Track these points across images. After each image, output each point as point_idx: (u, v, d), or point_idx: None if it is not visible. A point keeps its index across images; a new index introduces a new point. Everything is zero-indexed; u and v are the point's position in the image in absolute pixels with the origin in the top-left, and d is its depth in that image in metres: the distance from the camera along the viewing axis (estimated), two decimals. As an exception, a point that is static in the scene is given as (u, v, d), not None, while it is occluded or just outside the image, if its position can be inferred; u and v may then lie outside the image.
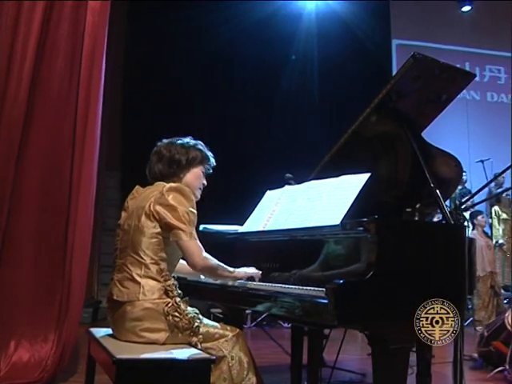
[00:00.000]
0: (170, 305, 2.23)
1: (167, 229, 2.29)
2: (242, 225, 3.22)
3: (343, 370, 4.19)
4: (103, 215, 7.36)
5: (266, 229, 2.89)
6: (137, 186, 2.52)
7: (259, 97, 7.83)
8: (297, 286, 2.16)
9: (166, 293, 2.27)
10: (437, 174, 2.95)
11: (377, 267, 1.96)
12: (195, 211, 2.35)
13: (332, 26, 8.47)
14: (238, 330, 2.41)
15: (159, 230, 2.30)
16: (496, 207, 8.23)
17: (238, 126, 7.53)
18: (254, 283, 2.43)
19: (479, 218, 6.63)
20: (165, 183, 2.40)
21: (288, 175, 4.62)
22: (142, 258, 2.29)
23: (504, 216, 8.49)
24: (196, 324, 2.26)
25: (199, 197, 2.55)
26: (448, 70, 2.69)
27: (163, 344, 2.20)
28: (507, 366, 4.05)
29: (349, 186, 2.53)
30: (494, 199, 8.26)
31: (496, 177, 7.02)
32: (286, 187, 3.10)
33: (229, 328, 2.40)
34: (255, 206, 3.48)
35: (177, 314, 2.23)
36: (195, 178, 2.52)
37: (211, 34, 7.57)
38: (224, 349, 2.30)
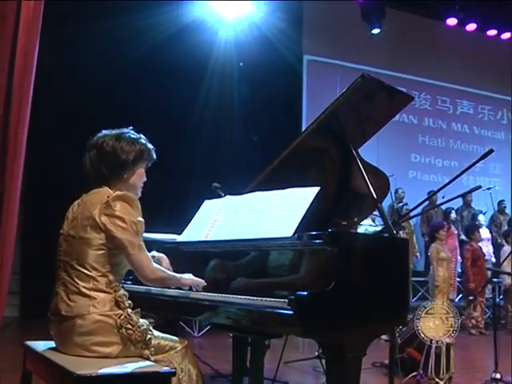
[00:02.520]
0: (122, 317, 2.16)
1: (114, 241, 2.20)
2: (178, 234, 3.19)
3: (266, 379, 4.24)
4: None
5: (209, 239, 2.88)
6: (83, 195, 2.39)
7: (179, 107, 7.71)
8: (257, 298, 2.16)
9: (118, 304, 2.20)
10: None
11: (337, 278, 2.02)
12: (143, 220, 2.28)
13: (250, 37, 8.60)
14: (186, 342, 2.39)
15: (105, 241, 2.20)
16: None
17: (157, 137, 7.39)
18: (210, 294, 2.40)
19: (401, 232, 7.04)
20: (109, 189, 2.30)
21: (215, 184, 4.63)
22: (89, 271, 2.19)
23: (406, 231, 9.00)
24: (148, 336, 2.21)
25: (140, 195, 2.43)
26: (391, 91, 2.82)
27: (116, 358, 2.12)
28: (421, 371, 4.30)
29: (298, 198, 2.58)
30: (396, 214, 8.71)
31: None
32: (228, 197, 3.10)
33: (178, 340, 2.36)
34: (183, 215, 3.44)
35: (129, 326, 2.16)
36: (139, 178, 2.41)
37: (127, 46, 7.30)
38: (174, 361, 2.27)
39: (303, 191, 2.60)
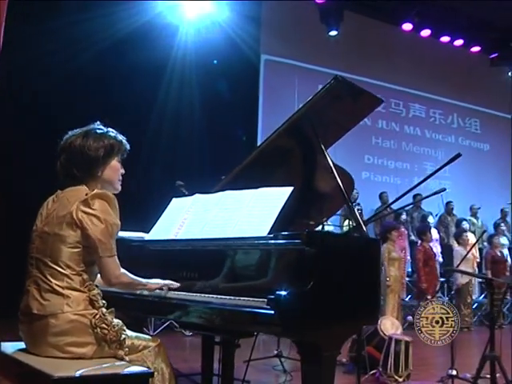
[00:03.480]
0: (97, 316, 2.11)
1: (88, 239, 2.15)
2: (146, 232, 3.14)
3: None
4: None
5: (179, 237, 2.85)
6: (58, 191, 2.32)
7: (138, 106, 7.51)
8: (234, 297, 2.16)
9: (92, 303, 2.15)
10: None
11: (316, 278, 2.03)
12: (119, 223, 2.24)
13: (211, 35, 8.55)
14: (158, 340, 2.35)
15: (81, 238, 2.15)
16: (348, 221, 8.82)
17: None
18: (184, 293, 2.38)
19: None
20: (85, 187, 2.25)
21: (179, 182, 4.60)
22: (63, 269, 2.13)
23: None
24: (123, 336, 2.17)
25: (120, 188, 2.40)
26: (362, 94, 2.86)
27: (90, 358, 2.07)
28: (380, 369, 4.38)
29: (271, 198, 2.59)
30: (348, 212, 8.81)
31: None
32: (197, 195, 3.06)
33: (150, 339, 2.33)
34: (145, 213, 3.37)
35: (104, 325, 2.11)
36: (113, 172, 2.34)
37: (84, 44, 7.01)
38: (147, 360, 2.23)
39: (276, 191, 2.60)
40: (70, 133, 2.32)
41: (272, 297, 1.96)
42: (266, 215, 2.50)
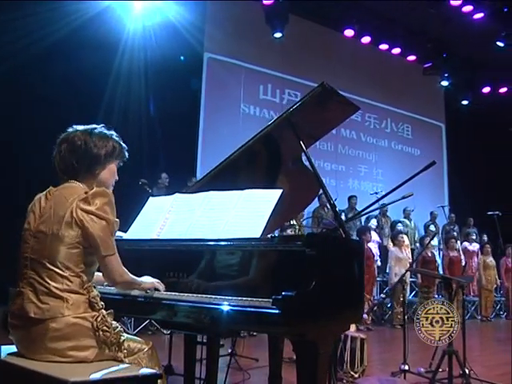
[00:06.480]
0: (98, 319, 2.08)
1: (89, 238, 2.12)
2: (123, 231, 3.09)
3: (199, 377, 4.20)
4: None
5: (161, 237, 2.83)
6: (50, 187, 2.27)
7: (83, 106, 7.28)
8: (238, 297, 2.19)
9: (92, 306, 2.11)
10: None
11: (318, 278, 2.11)
12: (118, 220, 2.22)
13: (158, 31, 8.48)
14: (151, 343, 2.33)
15: (81, 238, 2.11)
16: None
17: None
18: (183, 294, 2.38)
19: (288, 231, 7.26)
20: (81, 185, 2.22)
21: (143, 180, 4.58)
22: (62, 270, 2.08)
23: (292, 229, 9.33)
24: (122, 338, 2.16)
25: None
26: (343, 101, 2.97)
27: (91, 362, 2.03)
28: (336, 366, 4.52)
29: (260, 200, 2.63)
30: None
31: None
32: (177, 195, 3.05)
33: (143, 341, 2.31)
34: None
35: (106, 328, 2.09)
36: (110, 174, 2.33)
37: (26, 40, 6.77)
38: (142, 363, 2.21)
39: (265, 193, 2.65)
40: (75, 127, 2.30)
41: (279, 297, 2.02)
42: (257, 217, 2.54)
